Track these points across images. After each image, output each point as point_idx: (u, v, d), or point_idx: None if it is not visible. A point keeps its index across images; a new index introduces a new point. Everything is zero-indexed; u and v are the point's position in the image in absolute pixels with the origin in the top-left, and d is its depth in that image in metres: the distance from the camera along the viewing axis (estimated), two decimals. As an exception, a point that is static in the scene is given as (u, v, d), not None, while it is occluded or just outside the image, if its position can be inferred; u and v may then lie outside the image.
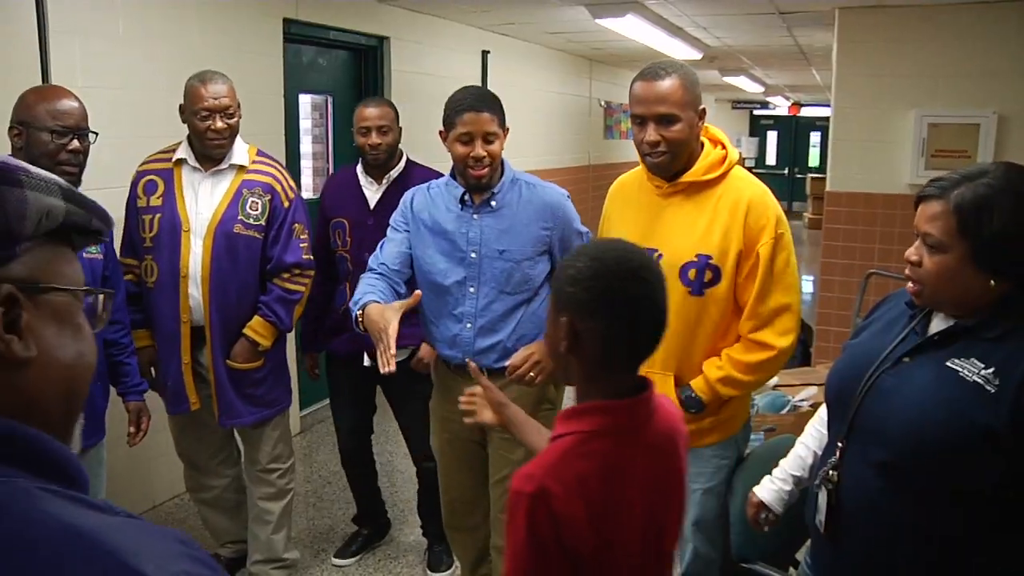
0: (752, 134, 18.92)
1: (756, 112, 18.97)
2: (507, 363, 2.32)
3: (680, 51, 6.86)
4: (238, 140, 2.83)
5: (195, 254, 2.73)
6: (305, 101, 5.34)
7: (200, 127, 2.72)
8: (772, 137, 19.64)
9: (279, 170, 2.89)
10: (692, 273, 2.06)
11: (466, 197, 2.42)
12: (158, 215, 2.76)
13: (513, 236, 2.38)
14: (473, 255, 2.38)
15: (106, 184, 2.91)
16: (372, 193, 3.14)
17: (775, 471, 1.90)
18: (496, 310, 2.39)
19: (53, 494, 0.66)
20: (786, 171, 19.22)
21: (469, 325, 2.40)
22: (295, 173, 4.99)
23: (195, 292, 2.75)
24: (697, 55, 7.29)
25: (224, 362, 2.80)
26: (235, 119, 2.77)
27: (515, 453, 2.41)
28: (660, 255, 2.09)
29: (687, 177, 2.09)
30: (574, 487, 1.21)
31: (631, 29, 5.81)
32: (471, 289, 2.39)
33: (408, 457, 3.49)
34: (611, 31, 6.05)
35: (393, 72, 5.54)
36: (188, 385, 2.82)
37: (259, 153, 2.88)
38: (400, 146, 3.18)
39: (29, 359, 0.71)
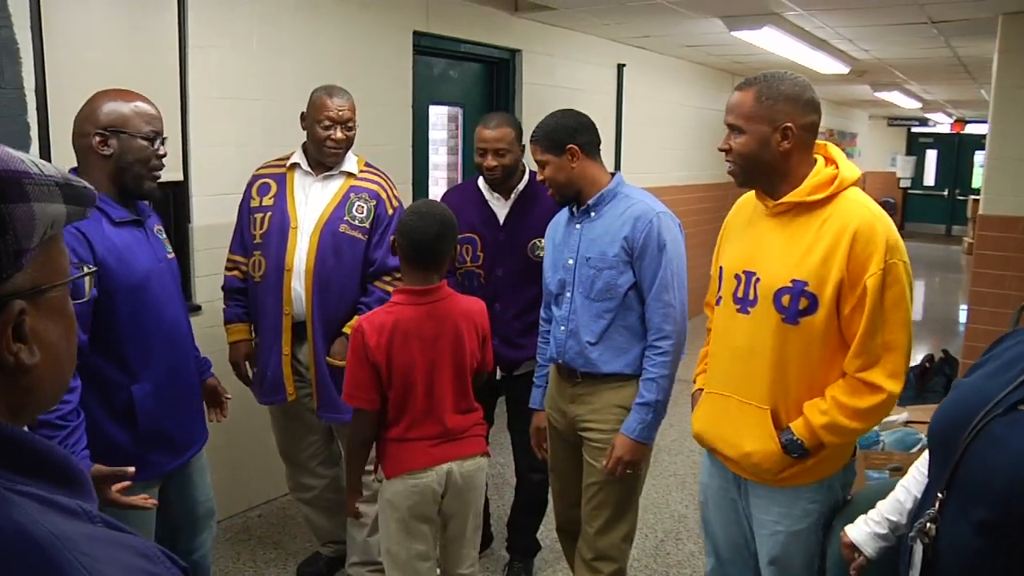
0: (909, 153, 17.88)
1: (914, 129, 17.90)
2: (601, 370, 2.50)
3: (825, 64, 6.56)
4: (349, 151, 2.98)
5: (300, 250, 2.85)
6: (441, 112, 5.44)
7: (321, 135, 2.85)
8: (931, 156, 18.47)
9: (386, 180, 3.03)
10: (786, 300, 1.92)
11: (573, 208, 2.60)
12: (269, 214, 2.90)
13: (598, 244, 2.50)
14: (570, 261, 2.56)
15: (238, 190, 3.05)
16: (500, 208, 3.14)
17: (871, 512, 1.74)
18: (581, 315, 2.51)
19: (24, 496, 0.65)
20: (946, 192, 18.04)
21: (563, 328, 2.56)
22: (424, 184, 5.08)
23: (297, 286, 2.86)
24: (844, 69, 6.94)
25: (325, 357, 2.88)
26: (352, 132, 2.92)
27: (600, 462, 2.51)
28: (758, 279, 1.98)
29: (790, 197, 1.95)
30: (376, 327, 2.25)
31: (769, 42, 5.59)
32: (568, 294, 2.55)
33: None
34: (751, 44, 5.85)
35: (525, 85, 5.55)
36: (287, 376, 2.92)
37: (367, 164, 3.03)
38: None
39: (35, 364, 0.72)
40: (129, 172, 2.11)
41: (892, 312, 1.85)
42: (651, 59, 7.17)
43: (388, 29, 4.40)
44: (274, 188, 2.94)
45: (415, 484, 2.31)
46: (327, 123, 2.84)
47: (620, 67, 6.71)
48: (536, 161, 2.56)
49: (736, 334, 2.03)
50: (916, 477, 1.69)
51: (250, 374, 3.08)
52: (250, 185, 3.00)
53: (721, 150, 2.04)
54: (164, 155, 2.18)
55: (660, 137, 7.51)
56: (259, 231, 2.91)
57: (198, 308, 3.53)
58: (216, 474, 3.63)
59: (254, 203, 2.95)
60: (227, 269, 3.06)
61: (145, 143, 2.11)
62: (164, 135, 2.19)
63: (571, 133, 2.51)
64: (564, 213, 2.66)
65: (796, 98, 1.94)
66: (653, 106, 7.33)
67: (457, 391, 2.35)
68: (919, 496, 1.62)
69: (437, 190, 5.53)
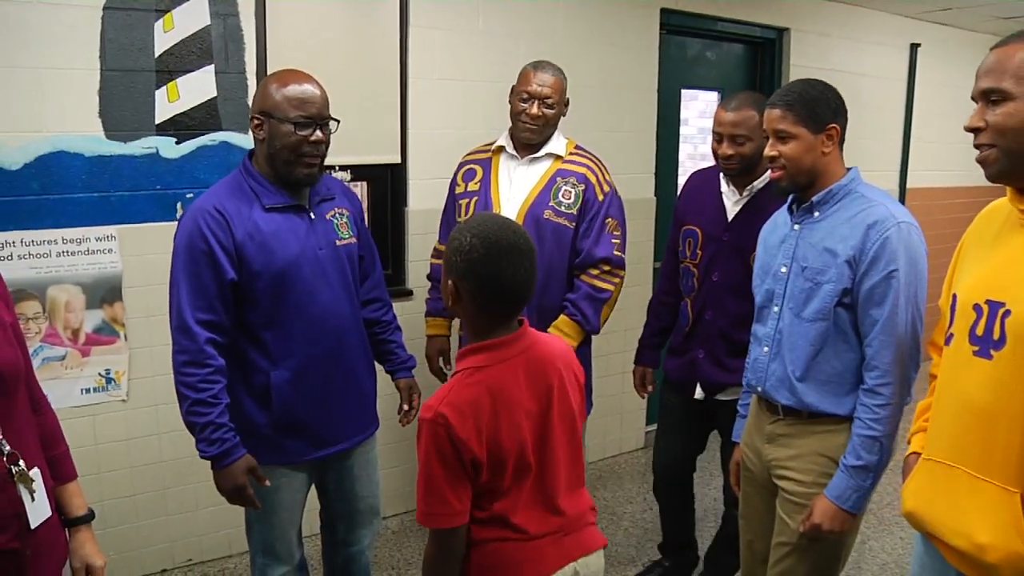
0: None
1: None
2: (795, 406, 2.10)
3: None
4: (557, 133, 2.83)
5: None
6: (711, 99, 5.03)
7: (517, 108, 2.77)
8: None
9: (596, 163, 2.84)
10: None
11: (794, 205, 2.17)
12: (474, 199, 2.82)
13: (820, 252, 2.05)
14: (783, 269, 2.14)
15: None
16: (731, 204, 2.73)
17: None
18: (789, 337, 2.11)
19: None
20: None
21: (766, 348, 2.16)
22: (670, 174, 4.72)
23: None
24: None
25: None
26: (553, 111, 2.77)
27: (795, 520, 2.11)
28: (1008, 311, 1.45)
29: None
30: (461, 410, 1.53)
31: (1108, 11, 4.57)
32: (775, 308, 2.15)
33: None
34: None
35: (792, 68, 5.01)
36: None
37: (577, 147, 2.86)
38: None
39: None
40: (278, 158, 2.07)
41: None
42: (953, 37, 6.20)
43: (632, 8, 4.11)
44: (479, 173, 2.86)
45: None
46: (525, 96, 2.74)
47: (913, 47, 5.88)
48: (775, 131, 2.05)
49: (971, 385, 1.51)
50: None
51: (445, 370, 3.00)
52: (457, 171, 2.95)
53: (970, 129, 1.52)
54: (321, 141, 2.07)
55: (953, 131, 6.50)
56: (464, 217, 2.82)
57: (410, 293, 3.50)
58: (404, 464, 3.61)
59: (459, 189, 2.89)
60: (433, 257, 3.03)
61: (290, 128, 2.03)
62: (326, 120, 2.09)
63: (836, 111, 2.06)
64: (784, 211, 2.21)
65: None
66: (953, 94, 6.34)
67: (569, 463, 1.72)
68: None
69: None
